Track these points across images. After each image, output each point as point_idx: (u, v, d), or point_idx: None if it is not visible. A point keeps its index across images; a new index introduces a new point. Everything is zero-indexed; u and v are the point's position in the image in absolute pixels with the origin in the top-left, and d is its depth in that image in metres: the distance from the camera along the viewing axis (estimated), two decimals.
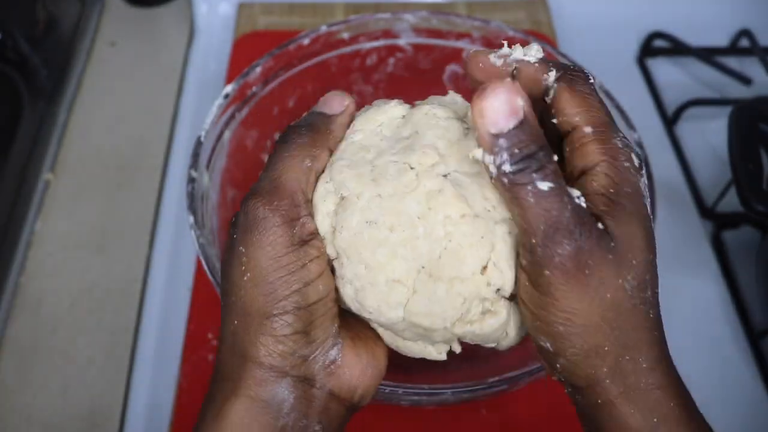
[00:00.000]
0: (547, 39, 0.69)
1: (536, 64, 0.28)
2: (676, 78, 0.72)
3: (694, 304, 0.56)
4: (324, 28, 0.52)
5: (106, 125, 0.66)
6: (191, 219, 0.42)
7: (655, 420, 0.26)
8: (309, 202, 0.28)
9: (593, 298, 0.25)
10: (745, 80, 0.68)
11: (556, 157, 0.25)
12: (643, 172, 0.27)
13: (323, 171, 0.29)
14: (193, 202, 0.42)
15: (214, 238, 0.44)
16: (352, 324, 0.30)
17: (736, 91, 0.69)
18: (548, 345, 0.26)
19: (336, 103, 0.31)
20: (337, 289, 0.29)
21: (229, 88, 0.47)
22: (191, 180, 0.43)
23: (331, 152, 0.30)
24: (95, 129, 0.66)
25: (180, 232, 0.59)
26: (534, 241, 0.25)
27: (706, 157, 0.66)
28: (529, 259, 0.25)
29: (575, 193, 0.25)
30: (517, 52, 0.28)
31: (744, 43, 0.73)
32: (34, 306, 0.54)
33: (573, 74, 0.27)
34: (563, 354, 0.26)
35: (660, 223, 0.44)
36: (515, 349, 0.48)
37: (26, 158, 0.60)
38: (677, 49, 0.72)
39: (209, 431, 0.27)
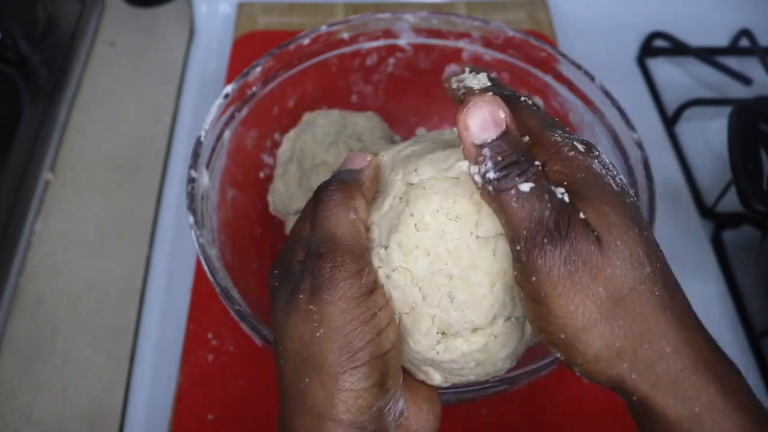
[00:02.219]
0: (547, 39, 0.69)
1: (477, 90, 0.30)
2: (676, 78, 0.72)
3: (694, 305, 0.56)
4: (324, 28, 0.52)
5: (106, 125, 0.66)
6: (191, 219, 0.42)
7: (697, 410, 0.24)
8: (367, 250, 0.29)
9: (585, 297, 0.24)
10: (745, 80, 0.68)
11: (537, 163, 0.26)
12: (596, 152, 0.27)
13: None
14: (193, 202, 0.42)
15: (214, 238, 0.44)
16: (404, 375, 0.30)
17: (736, 91, 0.69)
18: (561, 356, 0.26)
19: (358, 160, 0.31)
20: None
21: (229, 88, 0.47)
22: (191, 180, 0.43)
23: (367, 202, 0.30)
24: (95, 129, 0.66)
25: (180, 232, 0.59)
26: (519, 247, 0.25)
27: (706, 157, 0.66)
28: (519, 269, 0.26)
29: (559, 190, 0.25)
30: (468, 80, 0.31)
31: (744, 43, 0.73)
32: (34, 306, 0.54)
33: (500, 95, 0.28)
34: (575, 362, 0.25)
35: (660, 223, 0.44)
36: None
37: (26, 158, 0.60)
38: (677, 49, 0.72)
39: None
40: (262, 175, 0.54)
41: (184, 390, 0.49)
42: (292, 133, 0.52)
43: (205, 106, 0.64)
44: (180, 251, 0.58)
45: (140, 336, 0.53)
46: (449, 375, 0.31)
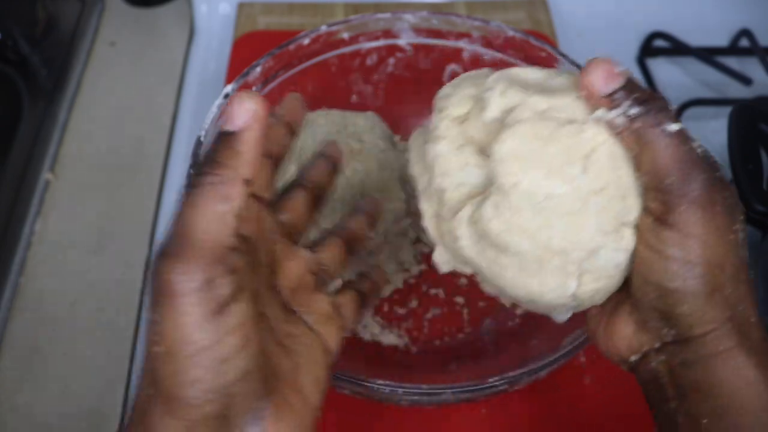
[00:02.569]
0: (546, 39, 0.69)
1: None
2: (676, 78, 0.72)
3: None
4: (324, 28, 0.52)
5: (106, 125, 0.66)
6: None
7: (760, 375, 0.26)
8: (231, 251, 0.24)
9: (722, 234, 0.26)
10: (746, 80, 0.68)
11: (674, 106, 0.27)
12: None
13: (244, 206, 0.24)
14: None
15: None
16: (284, 374, 0.27)
17: (736, 91, 0.69)
18: (677, 284, 0.26)
19: (240, 112, 0.24)
20: None
21: (229, 88, 0.47)
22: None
23: (248, 180, 0.24)
24: (95, 129, 0.66)
25: None
26: (669, 180, 0.25)
27: None
28: (661, 199, 0.26)
29: (696, 141, 0.26)
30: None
31: (744, 43, 0.73)
32: (33, 306, 0.54)
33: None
34: (693, 291, 0.26)
35: None
36: (515, 349, 0.48)
37: (26, 158, 0.60)
38: (677, 49, 0.72)
39: None
40: None
41: None
42: None
43: (205, 106, 0.64)
44: None
45: (140, 336, 0.53)
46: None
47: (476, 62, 0.54)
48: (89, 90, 0.69)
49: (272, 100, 0.51)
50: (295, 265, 0.32)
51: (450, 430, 0.47)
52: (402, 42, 0.54)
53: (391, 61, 0.55)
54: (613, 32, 0.74)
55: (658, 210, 0.26)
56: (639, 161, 0.27)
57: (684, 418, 0.27)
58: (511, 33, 0.51)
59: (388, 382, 0.39)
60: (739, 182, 0.48)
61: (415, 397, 0.40)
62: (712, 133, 0.67)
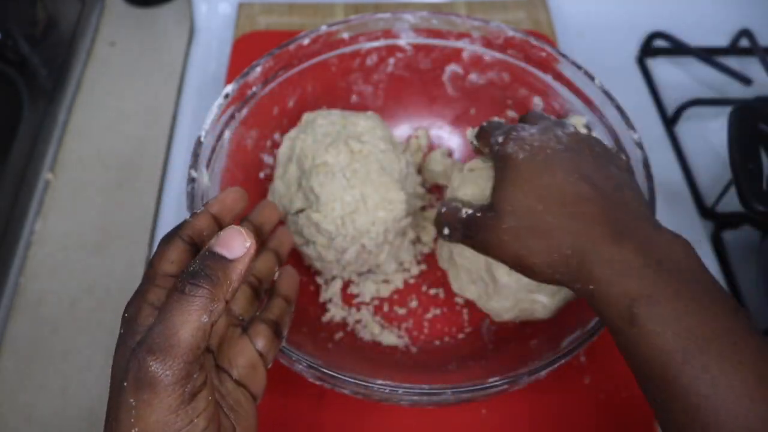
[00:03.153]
0: (546, 39, 0.69)
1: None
2: (676, 78, 0.72)
3: None
4: (324, 28, 0.52)
5: (106, 125, 0.66)
6: None
7: (591, 287, 0.33)
8: (205, 353, 0.28)
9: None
10: (746, 80, 0.68)
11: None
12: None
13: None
14: (193, 202, 0.42)
15: None
16: None
17: (737, 91, 0.69)
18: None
19: (237, 244, 0.28)
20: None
21: (229, 88, 0.47)
22: (191, 180, 0.43)
23: (228, 300, 0.28)
24: (95, 129, 0.66)
25: None
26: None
27: (706, 157, 0.66)
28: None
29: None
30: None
31: (744, 43, 0.73)
32: (34, 306, 0.54)
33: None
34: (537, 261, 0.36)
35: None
36: (515, 349, 0.48)
37: (26, 158, 0.60)
38: (677, 49, 0.72)
39: None
40: (262, 175, 0.54)
41: None
42: (292, 133, 0.52)
43: (205, 106, 0.64)
44: None
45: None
46: None
47: (476, 62, 0.54)
48: (89, 90, 0.69)
49: (272, 100, 0.52)
50: (221, 327, 0.35)
51: (450, 431, 0.47)
52: (402, 42, 0.54)
53: (391, 61, 0.55)
54: (613, 32, 0.74)
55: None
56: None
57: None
58: (511, 33, 0.51)
59: (388, 382, 0.39)
60: (740, 182, 0.48)
61: (415, 397, 0.40)
62: (712, 133, 0.67)
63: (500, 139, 0.39)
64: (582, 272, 0.34)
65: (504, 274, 0.44)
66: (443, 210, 0.42)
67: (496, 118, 0.44)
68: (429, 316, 0.51)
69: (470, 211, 0.39)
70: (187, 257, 0.31)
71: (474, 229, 0.39)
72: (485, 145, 0.41)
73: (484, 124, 0.42)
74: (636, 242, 0.33)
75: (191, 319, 0.26)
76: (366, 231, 0.47)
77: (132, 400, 0.26)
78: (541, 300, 0.44)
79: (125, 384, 0.26)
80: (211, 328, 0.27)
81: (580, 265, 0.34)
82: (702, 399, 0.29)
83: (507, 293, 0.45)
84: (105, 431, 0.28)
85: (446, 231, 0.41)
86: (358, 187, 0.47)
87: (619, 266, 0.33)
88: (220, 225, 0.34)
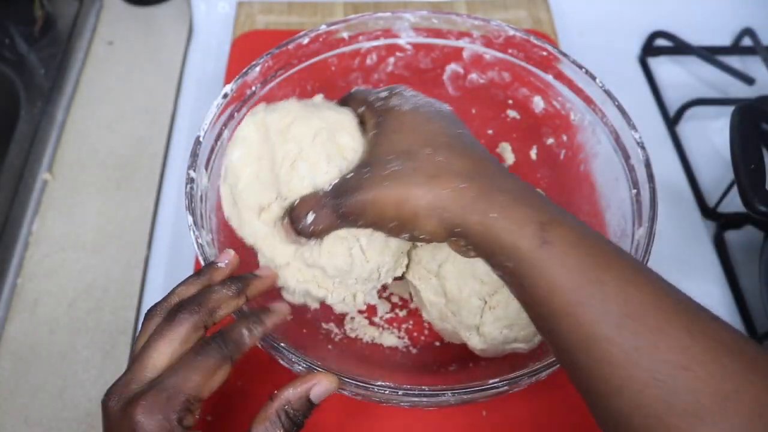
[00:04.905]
0: (547, 38, 0.69)
1: None
2: (678, 77, 0.72)
3: None
4: (323, 27, 0.51)
5: (104, 125, 0.66)
6: (190, 219, 0.41)
7: (493, 215, 0.32)
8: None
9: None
10: (748, 80, 0.68)
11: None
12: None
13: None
14: (192, 202, 0.42)
15: (213, 238, 0.44)
16: None
17: (739, 90, 0.69)
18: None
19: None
20: None
21: (228, 88, 0.47)
22: (190, 180, 0.43)
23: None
24: (93, 128, 0.65)
25: (178, 232, 0.59)
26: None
27: (708, 157, 0.65)
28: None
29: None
30: None
31: (747, 42, 0.73)
32: (31, 307, 0.54)
33: None
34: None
35: (661, 224, 0.43)
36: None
37: (24, 158, 0.60)
38: (679, 48, 0.72)
39: None
40: None
41: None
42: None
43: (203, 106, 0.64)
44: (179, 252, 0.57)
45: None
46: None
47: (477, 61, 0.54)
48: (87, 89, 0.68)
49: (272, 99, 0.51)
50: None
51: None
52: (402, 41, 0.54)
53: (391, 60, 0.55)
54: (615, 31, 0.74)
55: None
56: None
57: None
58: (511, 32, 0.51)
59: (388, 384, 0.39)
60: (742, 182, 0.48)
61: (415, 399, 0.39)
62: (714, 132, 0.67)
63: (383, 95, 0.39)
64: (479, 203, 0.33)
65: (478, 342, 0.45)
66: (296, 203, 0.38)
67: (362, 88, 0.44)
68: None
69: (336, 180, 0.37)
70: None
71: (347, 193, 0.35)
72: (359, 105, 0.41)
73: (352, 91, 0.43)
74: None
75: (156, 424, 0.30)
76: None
77: None
78: (519, 347, 0.45)
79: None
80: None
81: (478, 196, 0.33)
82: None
83: (481, 346, 0.45)
84: None
85: (309, 219, 0.36)
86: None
87: (520, 194, 0.33)
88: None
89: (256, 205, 0.39)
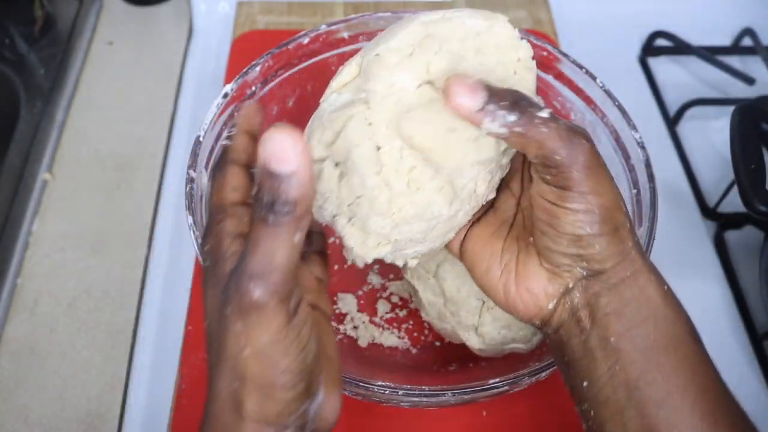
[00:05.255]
0: (548, 38, 0.69)
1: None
2: (678, 77, 0.72)
3: (696, 306, 0.55)
4: (324, 27, 0.51)
5: (104, 125, 0.66)
6: (190, 219, 0.41)
7: (666, 288, 0.32)
8: (297, 267, 0.28)
9: (609, 182, 0.32)
10: (748, 80, 0.68)
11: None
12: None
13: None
14: (192, 202, 0.42)
15: None
16: (324, 356, 0.31)
17: (739, 90, 0.69)
18: (587, 230, 0.31)
19: (290, 154, 0.26)
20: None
21: (228, 88, 0.47)
22: (190, 180, 0.43)
23: (311, 207, 0.29)
24: (93, 128, 0.65)
25: (178, 232, 0.59)
26: (558, 156, 0.30)
27: (708, 157, 0.65)
28: (555, 173, 0.31)
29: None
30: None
31: (747, 42, 0.73)
32: (31, 307, 0.54)
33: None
34: (601, 233, 0.31)
35: (662, 224, 0.43)
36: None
37: (23, 158, 0.60)
38: (679, 48, 0.72)
39: None
40: None
41: (183, 391, 0.48)
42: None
43: (203, 106, 0.64)
44: (179, 252, 0.57)
45: (139, 337, 0.53)
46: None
47: None
48: (87, 89, 0.68)
49: (272, 99, 0.51)
50: None
51: None
52: None
53: None
54: (615, 31, 0.74)
55: (555, 180, 0.31)
56: (527, 150, 0.31)
57: (596, 341, 0.32)
58: None
59: (388, 384, 0.39)
60: (742, 182, 0.48)
61: (416, 399, 0.39)
62: (715, 132, 0.67)
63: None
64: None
65: (476, 342, 0.44)
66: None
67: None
68: None
69: None
70: (246, 180, 0.32)
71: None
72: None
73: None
74: None
75: (283, 244, 0.27)
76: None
77: (239, 326, 0.27)
78: (518, 347, 0.44)
79: (227, 312, 0.27)
80: (300, 246, 0.28)
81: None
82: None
83: (480, 346, 0.45)
84: (210, 362, 0.29)
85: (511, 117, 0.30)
86: None
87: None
88: (254, 139, 0.34)
89: None
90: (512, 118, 0.30)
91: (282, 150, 0.26)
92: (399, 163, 0.32)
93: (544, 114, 0.30)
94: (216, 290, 0.29)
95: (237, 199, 0.32)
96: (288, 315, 0.27)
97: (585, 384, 0.32)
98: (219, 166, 0.33)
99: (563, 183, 0.31)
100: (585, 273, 0.32)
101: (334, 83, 0.35)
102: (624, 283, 0.32)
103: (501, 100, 0.30)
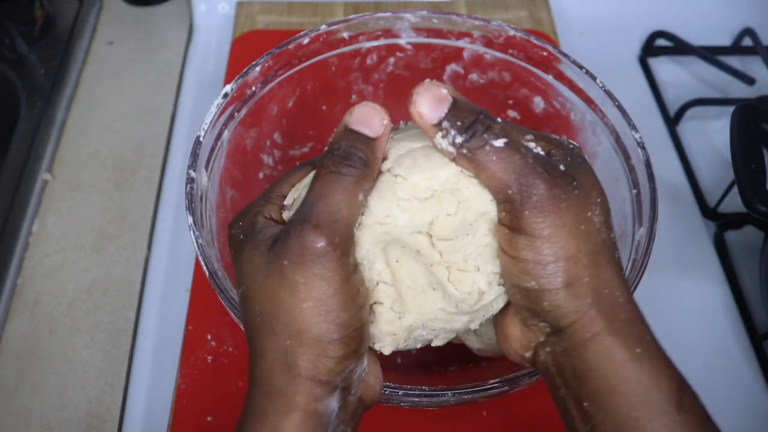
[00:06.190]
0: (548, 38, 0.69)
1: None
2: (678, 77, 0.72)
3: (696, 306, 0.56)
4: (324, 27, 0.51)
5: (104, 125, 0.66)
6: (190, 219, 0.41)
7: (639, 351, 0.28)
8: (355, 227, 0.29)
9: (570, 229, 0.27)
10: (748, 80, 0.68)
11: (499, 120, 0.29)
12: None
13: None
14: (192, 202, 0.42)
15: (213, 238, 0.44)
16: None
17: (739, 90, 0.69)
18: (533, 284, 0.28)
19: (377, 122, 0.29)
20: None
21: (228, 88, 0.47)
22: (190, 180, 0.43)
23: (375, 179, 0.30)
24: (93, 129, 0.65)
25: (178, 232, 0.59)
26: (510, 191, 0.28)
27: (708, 157, 0.65)
28: (508, 209, 0.28)
29: (531, 144, 0.29)
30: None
31: (747, 42, 0.73)
32: (31, 307, 0.54)
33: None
34: (549, 288, 0.28)
35: (662, 224, 0.43)
36: None
37: (24, 158, 0.60)
38: (679, 48, 0.72)
39: None
40: (261, 175, 0.53)
41: (183, 391, 0.48)
42: None
43: (203, 106, 0.64)
44: (179, 252, 0.57)
45: (139, 337, 0.53)
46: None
47: (477, 61, 0.54)
48: (87, 89, 0.68)
49: (272, 99, 0.51)
50: None
51: None
52: (402, 41, 0.54)
53: (392, 60, 0.55)
54: (615, 31, 0.74)
55: (507, 219, 0.28)
56: (480, 178, 0.29)
57: (571, 403, 0.29)
58: (512, 32, 0.51)
59: (388, 384, 0.38)
60: (742, 183, 0.48)
61: (415, 399, 0.39)
62: (715, 133, 0.67)
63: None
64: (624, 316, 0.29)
65: (474, 342, 0.44)
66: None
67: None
68: None
69: None
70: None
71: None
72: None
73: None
74: None
75: (351, 197, 0.28)
76: None
77: (299, 277, 0.27)
78: None
79: (285, 263, 0.27)
80: (362, 206, 0.29)
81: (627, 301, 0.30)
82: None
83: (478, 346, 0.45)
84: (252, 328, 0.28)
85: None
86: None
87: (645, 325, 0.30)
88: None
89: None
90: (460, 139, 0.28)
91: (371, 117, 0.29)
92: (370, 290, 0.31)
93: (499, 142, 0.28)
94: (257, 252, 0.29)
95: (285, 192, 0.33)
96: (348, 269, 0.28)
97: None
98: (304, 164, 0.34)
99: (514, 224, 0.28)
100: (548, 329, 0.29)
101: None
102: (585, 345, 0.28)
103: (459, 120, 0.28)
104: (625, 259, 0.41)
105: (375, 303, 0.31)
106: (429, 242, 0.30)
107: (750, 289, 0.57)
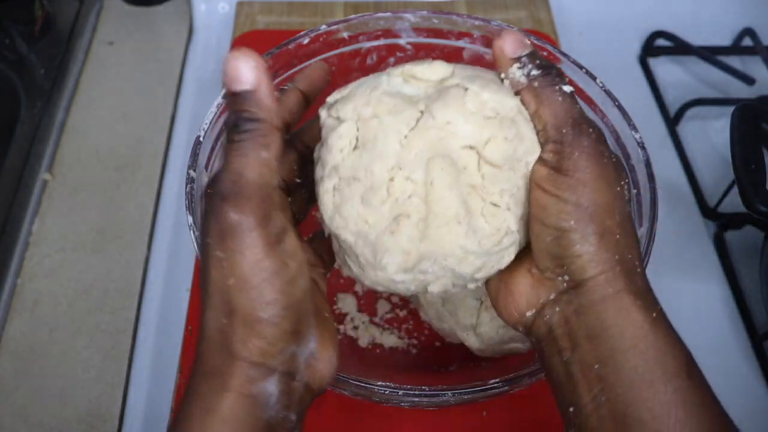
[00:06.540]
0: (548, 38, 0.69)
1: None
2: (678, 77, 0.72)
3: (696, 306, 0.56)
4: (323, 27, 0.51)
5: (104, 125, 0.66)
6: (190, 219, 0.41)
7: (654, 315, 0.29)
8: (275, 190, 0.28)
9: (609, 183, 0.29)
10: (748, 80, 0.68)
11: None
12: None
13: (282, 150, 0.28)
14: (192, 202, 0.42)
15: None
16: (318, 315, 0.30)
17: (739, 90, 0.69)
18: (572, 223, 0.29)
19: (246, 72, 0.27)
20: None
21: None
22: (190, 180, 0.43)
23: (280, 128, 0.28)
24: (93, 129, 0.65)
25: (178, 232, 0.59)
26: (565, 130, 0.30)
27: (708, 157, 0.65)
28: (557, 149, 0.30)
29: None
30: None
31: (747, 42, 0.73)
32: (31, 307, 0.54)
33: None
34: (585, 232, 0.29)
35: (662, 224, 0.43)
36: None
37: (24, 158, 0.60)
38: (679, 48, 0.72)
39: (197, 425, 0.27)
40: None
41: (182, 391, 0.48)
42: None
43: (204, 106, 0.64)
44: (178, 252, 0.57)
45: (138, 337, 0.53)
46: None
47: (477, 61, 0.54)
48: (87, 89, 0.68)
49: None
50: None
51: None
52: (402, 41, 0.54)
53: (392, 60, 0.55)
54: (615, 31, 0.74)
55: (554, 160, 0.30)
56: (537, 116, 0.31)
57: (577, 367, 0.29)
58: None
59: (388, 384, 0.38)
60: (742, 182, 0.48)
61: (416, 399, 0.39)
62: (715, 132, 0.67)
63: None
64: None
65: (475, 342, 0.44)
66: None
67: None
68: None
69: None
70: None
71: None
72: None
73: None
74: None
75: (252, 162, 0.26)
76: None
77: (219, 253, 0.26)
78: (517, 346, 0.44)
79: (209, 240, 0.27)
80: (276, 163, 0.27)
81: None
82: None
83: (479, 346, 0.45)
84: (202, 305, 0.28)
85: None
86: None
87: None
88: (308, 102, 0.34)
89: None
90: (535, 72, 0.31)
91: (237, 69, 0.27)
92: (400, 200, 0.30)
93: (567, 88, 0.30)
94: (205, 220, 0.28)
95: None
96: (268, 239, 0.26)
97: (571, 410, 0.30)
98: None
99: (562, 164, 0.29)
100: (565, 285, 0.30)
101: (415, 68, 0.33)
102: (605, 302, 0.28)
103: (537, 60, 0.31)
104: None
105: (401, 215, 0.30)
106: (477, 162, 0.31)
107: (750, 289, 0.57)
